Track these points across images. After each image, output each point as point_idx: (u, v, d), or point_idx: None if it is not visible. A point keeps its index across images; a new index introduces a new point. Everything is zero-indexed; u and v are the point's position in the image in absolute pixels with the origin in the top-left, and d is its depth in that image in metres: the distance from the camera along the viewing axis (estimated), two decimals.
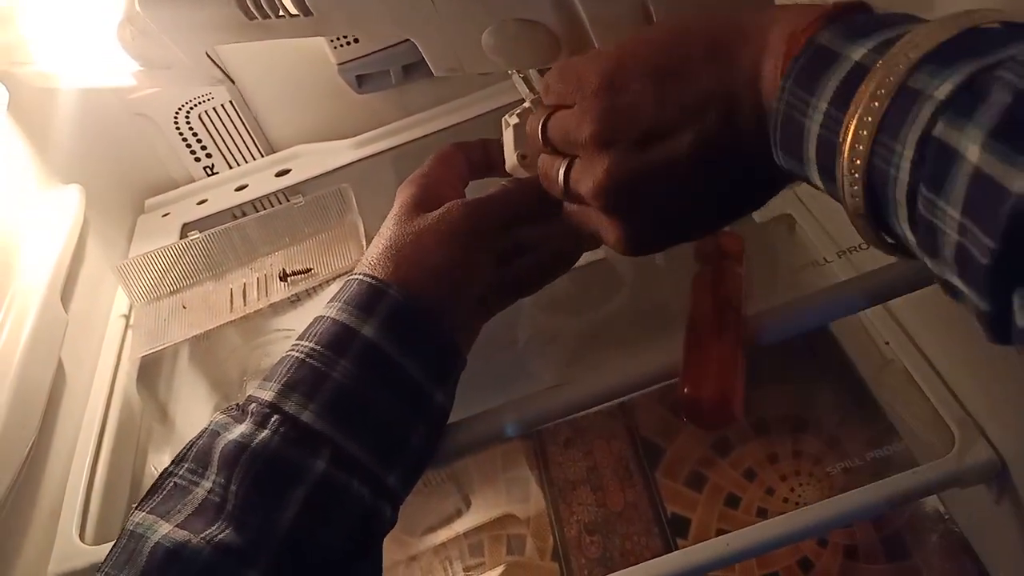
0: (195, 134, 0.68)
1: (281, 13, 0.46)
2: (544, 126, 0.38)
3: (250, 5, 0.45)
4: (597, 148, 0.35)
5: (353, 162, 0.67)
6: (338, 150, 0.69)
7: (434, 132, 0.67)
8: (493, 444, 0.44)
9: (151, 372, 0.61)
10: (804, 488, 0.75)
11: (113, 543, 0.36)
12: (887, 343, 0.63)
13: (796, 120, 0.29)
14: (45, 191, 0.59)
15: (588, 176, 0.36)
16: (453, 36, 0.47)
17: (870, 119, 0.25)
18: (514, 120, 0.48)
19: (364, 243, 0.59)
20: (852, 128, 0.26)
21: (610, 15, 0.44)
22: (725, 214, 0.37)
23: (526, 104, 0.48)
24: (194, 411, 0.67)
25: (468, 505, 0.88)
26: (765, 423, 0.80)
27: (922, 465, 0.56)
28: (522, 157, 0.48)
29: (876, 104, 0.25)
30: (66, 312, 0.55)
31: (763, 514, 0.75)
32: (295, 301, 0.61)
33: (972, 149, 0.22)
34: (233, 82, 0.52)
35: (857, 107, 0.26)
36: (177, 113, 0.67)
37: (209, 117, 0.68)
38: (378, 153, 0.67)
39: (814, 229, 0.65)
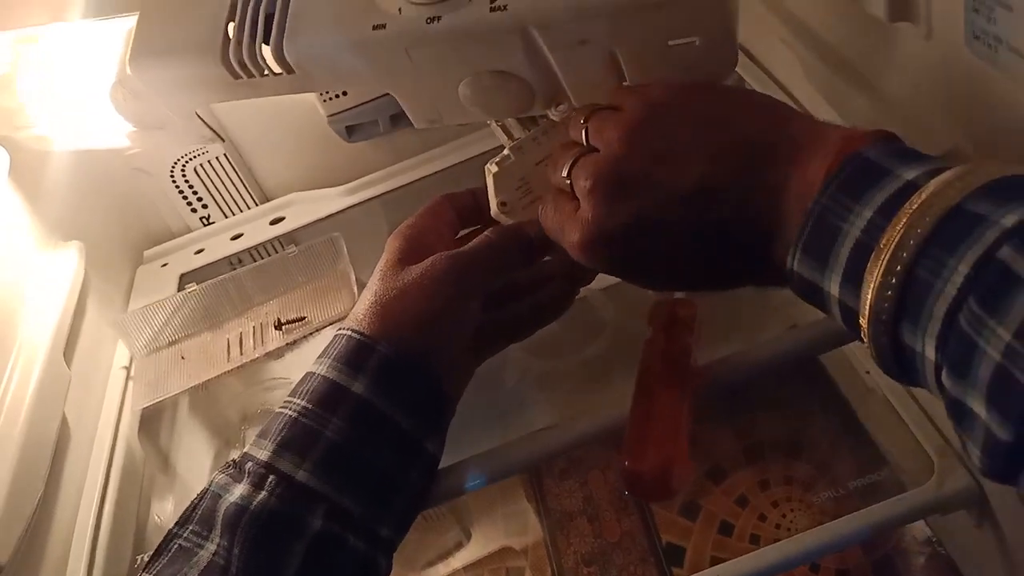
0: (191, 186, 0.71)
1: (266, 72, 0.48)
2: (587, 117, 0.40)
3: (235, 66, 0.47)
4: (619, 142, 0.36)
5: (345, 208, 0.69)
6: (330, 197, 0.71)
7: (423, 177, 0.69)
8: (484, 487, 0.46)
9: (152, 422, 0.63)
10: (795, 514, 0.76)
11: None
12: (867, 372, 0.65)
13: (831, 223, 0.30)
14: (45, 250, 0.61)
15: (594, 163, 0.37)
16: (431, 89, 0.49)
17: (919, 230, 0.26)
18: (495, 168, 0.50)
19: (356, 290, 0.61)
20: (899, 235, 0.27)
21: (581, 68, 0.46)
22: (681, 277, 0.39)
23: (505, 152, 0.50)
24: (195, 458, 0.69)
25: (468, 538, 0.89)
26: (757, 449, 0.81)
27: (906, 492, 0.57)
28: (502, 204, 0.50)
29: (928, 219, 0.26)
30: (68, 367, 0.57)
31: (756, 541, 0.76)
32: (291, 345, 0.62)
33: None
34: (223, 140, 0.54)
35: (905, 217, 0.27)
36: (173, 167, 0.69)
37: (204, 169, 0.70)
38: (369, 199, 0.69)
39: None
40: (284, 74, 0.47)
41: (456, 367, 0.46)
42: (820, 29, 0.51)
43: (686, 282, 0.40)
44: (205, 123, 0.53)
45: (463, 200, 0.52)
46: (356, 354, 0.42)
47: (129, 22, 0.49)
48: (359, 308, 0.45)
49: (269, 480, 0.39)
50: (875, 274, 0.27)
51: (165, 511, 0.63)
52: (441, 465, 0.45)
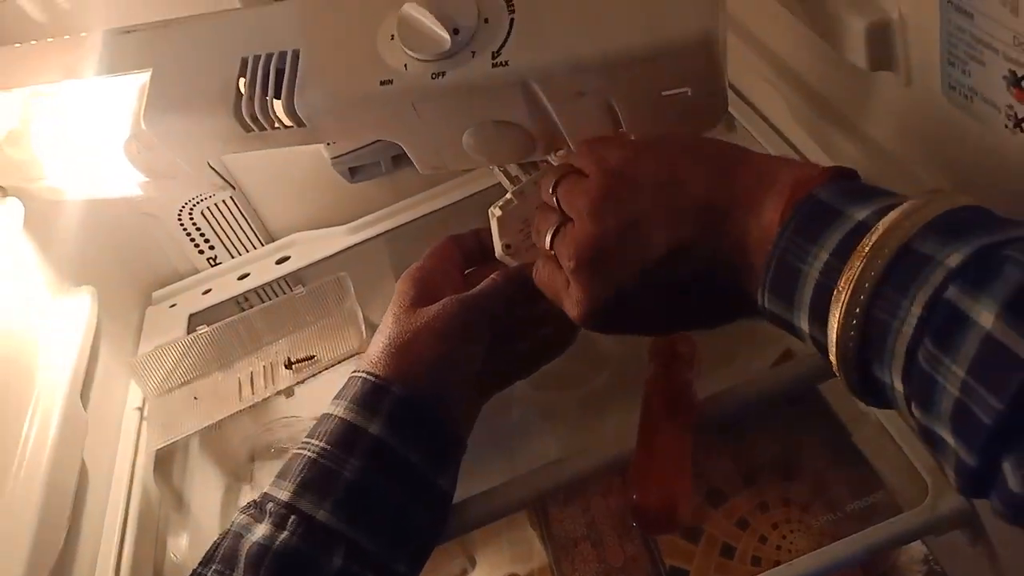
0: (198, 228, 0.72)
1: (276, 125, 0.50)
2: (557, 182, 0.42)
3: (247, 119, 0.49)
4: (590, 216, 0.38)
5: (349, 247, 0.71)
6: (334, 236, 0.72)
7: (424, 215, 0.71)
8: (494, 521, 0.47)
9: (164, 461, 0.64)
10: (795, 535, 0.78)
11: None
12: None
13: (792, 265, 0.32)
14: (59, 295, 0.62)
15: (572, 240, 0.39)
16: (436, 139, 0.51)
17: (873, 273, 0.28)
18: (498, 212, 0.52)
19: (363, 328, 0.62)
20: (855, 278, 0.29)
21: (579, 117, 0.48)
22: (677, 319, 0.40)
23: (508, 196, 0.52)
24: (207, 496, 0.70)
25: (473, 566, 0.90)
26: (754, 473, 0.83)
27: (902, 513, 0.59)
28: (507, 247, 0.52)
29: (879, 260, 0.28)
30: (84, 410, 0.58)
31: (757, 562, 0.78)
32: (301, 383, 0.64)
33: (986, 316, 0.25)
34: (234, 188, 0.56)
35: (858, 260, 0.29)
36: (180, 210, 0.71)
37: (211, 212, 0.72)
38: (373, 237, 0.71)
39: None
40: (295, 127, 0.49)
41: (466, 406, 0.48)
42: (805, 72, 0.53)
43: (682, 325, 0.42)
44: (216, 172, 0.55)
45: (467, 241, 0.54)
46: (371, 396, 0.44)
47: (141, 78, 0.51)
48: (373, 350, 0.46)
49: (291, 520, 0.41)
50: (837, 315, 0.29)
51: (180, 548, 0.64)
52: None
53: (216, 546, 0.43)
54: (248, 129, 0.49)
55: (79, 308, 0.62)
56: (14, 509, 0.49)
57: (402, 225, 0.71)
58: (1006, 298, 0.25)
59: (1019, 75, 0.34)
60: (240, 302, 0.73)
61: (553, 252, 0.40)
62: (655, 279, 0.37)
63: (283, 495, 0.42)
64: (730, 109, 0.65)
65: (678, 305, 0.38)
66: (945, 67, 0.38)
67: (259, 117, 0.49)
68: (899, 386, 0.29)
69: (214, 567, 0.42)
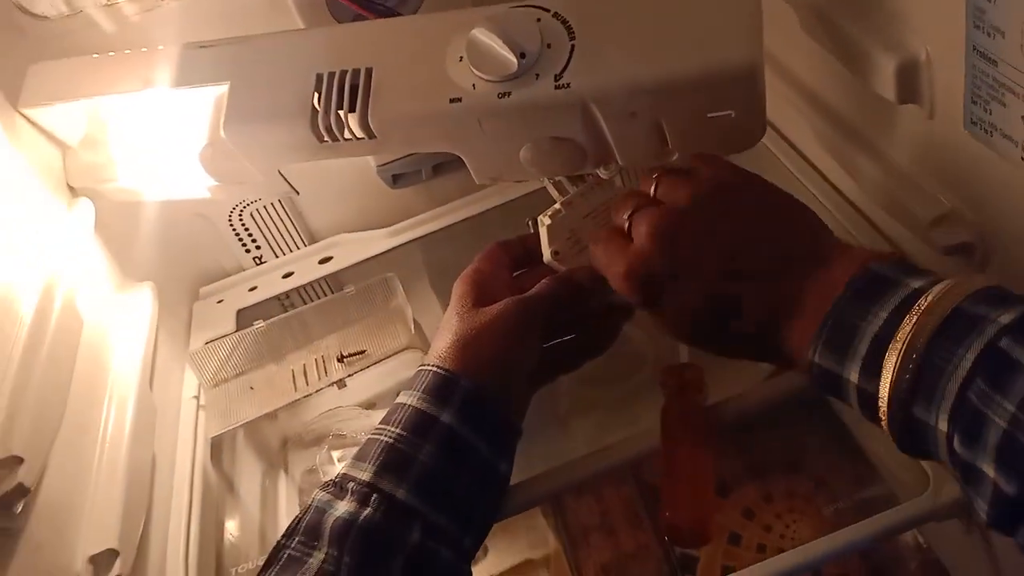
0: (246, 228, 0.76)
1: (348, 137, 0.54)
2: (662, 175, 0.47)
3: (322, 131, 0.53)
4: (688, 201, 0.43)
5: (388, 249, 0.75)
6: (375, 238, 0.76)
7: (459, 221, 0.75)
8: (542, 503, 0.52)
9: (216, 448, 0.68)
10: (798, 524, 0.83)
11: None
12: None
13: (850, 323, 0.36)
14: (123, 292, 0.66)
15: (657, 214, 0.44)
16: (496, 152, 0.55)
17: (929, 326, 0.33)
18: (547, 221, 0.57)
19: (411, 325, 0.66)
20: (912, 330, 0.34)
21: (630, 135, 0.53)
22: (699, 336, 0.45)
23: (557, 206, 0.57)
24: (251, 480, 0.74)
25: (485, 553, 0.94)
26: (760, 466, 0.88)
27: (902, 503, 0.64)
28: (555, 253, 0.56)
29: (935, 317, 0.33)
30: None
31: (762, 549, 0.83)
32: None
33: None
34: (298, 192, 0.60)
35: (916, 316, 0.34)
36: (231, 212, 0.75)
37: (259, 214, 0.75)
38: (411, 240, 0.75)
39: None
40: (365, 139, 0.53)
41: (521, 397, 0.52)
42: (832, 99, 0.58)
43: (700, 339, 0.46)
44: (285, 179, 0.59)
45: (515, 247, 0.58)
46: (441, 388, 0.48)
47: (218, 90, 0.55)
48: (440, 346, 0.50)
49: (373, 498, 0.45)
50: (894, 361, 0.34)
51: (232, 529, 0.68)
52: None
53: (298, 520, 0.47)
54: (322, 140, 0.53)
55: (142, 302, 0.66)
56: (103, 483, 0.52)
57: (439, 230, 0.75)
58: None
59: None
60: (283, 299, 0.77)
61: (628, 223, 0.45)
62: (706, 284, 0.42)
63: (364, 476, 0.46)
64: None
65: (709, 318, 0.43)
66: (968, 104, 0.43)
67: (333, 129, 0.53)
68: (943, 426, 0.33)
69: (297, 539, 0.46)
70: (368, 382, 0.70)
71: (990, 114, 0.42)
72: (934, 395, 0.33)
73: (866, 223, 0.58)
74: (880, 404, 0.36)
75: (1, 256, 0.51)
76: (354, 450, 0.65)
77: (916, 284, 0.36)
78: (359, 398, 0.79)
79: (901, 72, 0.46)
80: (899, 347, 0.34)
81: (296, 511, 0.74)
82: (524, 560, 0.90)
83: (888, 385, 0.35)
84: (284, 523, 0.73)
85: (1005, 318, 0.32)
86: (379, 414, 0.51)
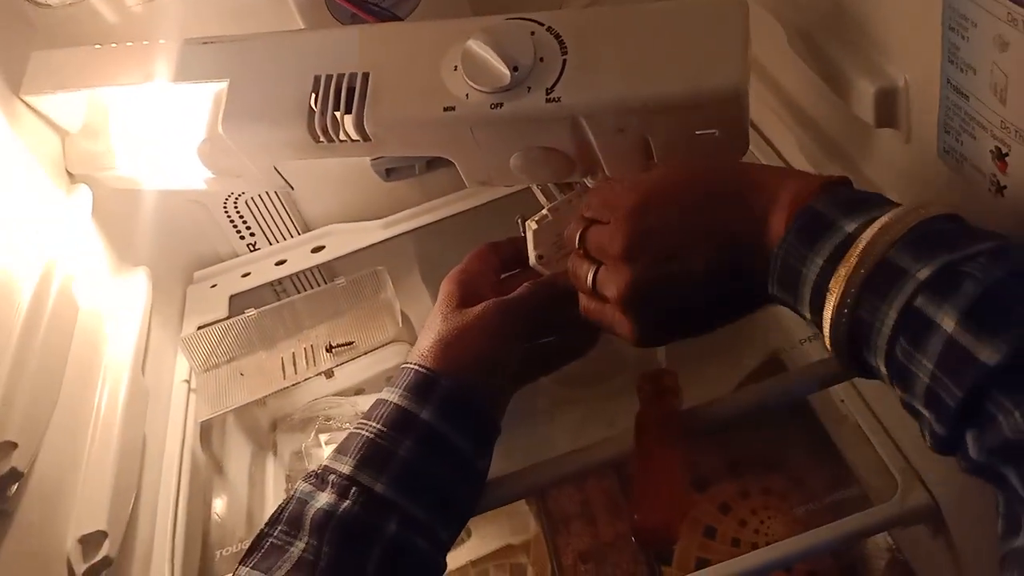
0: (241, 216, 0.78)
1: (343, 138, 0.55)
2: (582, 235, 0.47)
3: (318, 132, 0.55)
4: (624, 260, 0.44)
5: (380, 241, 0.77)
6: (367, 230, 0.78)
7: (451, 215, 0.76)
8: (520, 499, 0.54)
9: (206, 430, 0.70)
10: (772, 521, 0.85)
11: None
12: (843, 400, 0.74)
13: (794, 267, 0.38)
14: (118, 276, 0.67)
15: (612, 283, 0.45)
16: (487, 159, 0.56)
17: (857, 280, 0.35)
18: (534, 225, 0.58)
19: (399, 318, 0.68)
20: (842, 285, 0.36)
21: (618, 149, 0.54)
22: (717, 321, 0.47)
23: (544, 211, 0.58)
24: (239, 462, 0.76)
25: (469, 535, 0.97)
26: (738, 464, 0.90)
27: (872, 507, 0.67)
28: (539, 257, 0.58)
29: (863, 271, 0.35)
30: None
31: (736, 543, 0.85)
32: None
33: (948, 322, 0.32)
34: (292, 188, 0.61)
35: (847, 268, 0.36)
36: (227, 199, 0.76)
37: (254, 202, 0.77)
38: (403, 233, 0.77)
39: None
40: (360, 141, 0.54)
41: (501, 396, 0.54)
42: (815, 114, 0.60)
43: (723, 320, 0.46)
44: (280, 174, 0.60)
45: (504, 248, 0.60)
46: (422, 386, 0.50)
47: (218, 87, 0.56)
48: (423, 344, 0.52)
49: (352, 491, 0.47)
50: (830, 313, 0.37)
51: (219, 508, 0.70)
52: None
53: (281, 510, 0.49)
54: (317, 140, 0.55)
55: (136, 286, 0.67)
56: (93, 466, 0.54)
57: (431, 223, 0.76)
58: (965, 308, 0.32)
59: (1003, 151, 0.40)
60: (275, 286, 0.79)
61: (599, 292, 0.47)
62: (694, 298, 0.44)
63: (345, 469, 0.47)
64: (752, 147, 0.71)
65: (718, 308, 0.45)
66: (942, 134, 0.45)
67: (329, 130, 0.54)
68: (884, 370, 0.36)
69: (280, 528, 0.48)
70: (355, 371, 0.72)
71: (961, 145, 0.43)
72: (870, 345, 0.36)
73: None
74: (825, 341, 0.38)
75: (1, 240, 0.53)
76: (341, 435, 0.67)
77: (850, 228, 0.37)
78: (346, 387, 0.81)
79: (880, 97, 0.48)
80: (832, 299, 0.37)
81: (283, 493, 0.76)
82: (505, 545, 0.92)
83: (828, 332, 0.37)
84: (271, 504, 0.76)
85: (923, 272, 0.34)
86: (367, 400, 0.53)
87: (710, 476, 0.89)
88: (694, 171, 0.45)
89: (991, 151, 0.41)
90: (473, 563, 0.90)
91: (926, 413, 0.35)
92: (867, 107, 0.49)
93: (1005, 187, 0.41)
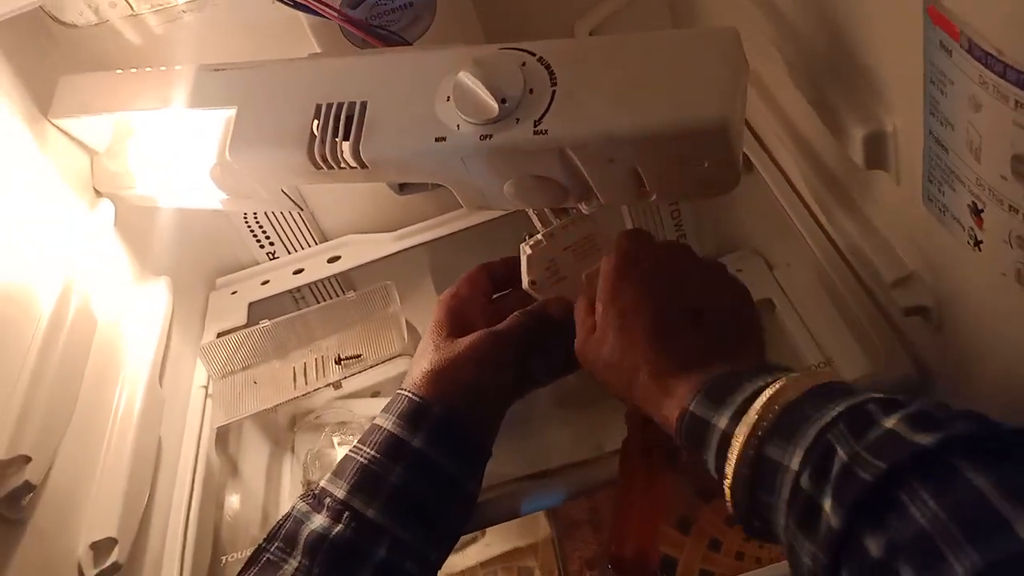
0: (260, 226, 0.80)
1: (343, 165, 0.57)
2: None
3: (318, 159, 0.56)
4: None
5: (394, 252, 0.78)
6: (382, 241, 0.80)
7: (463, 229, 0.78)
8: (508, 520, 0.56)
9: (223, 431, 0.73)
10: None
11: None
12: None
13: (699, 435, 0.41)
14: (140, 285, 0.70)
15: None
16: (481, 186, 0.57)
17: (746, 471, 0.37)
18: (528, 250, 0.59)
19: (405, 333, 0.70)
20: (732, 473, 0.38)
21: (608, 178, 0.55)
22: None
23: (539, 236, 0.59)
24: (256, 462, 0.79)
25: (483, 534, 0.99)
26: None
27: None
28: (532, 282, 0.59)
29: (746, 470, 0.37)
30: (161, 388, 0.67)
31: (741, 557, 0.86)
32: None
33: (890, 421, 0.34)
34: (302, 208, 0.63)
35: (732, 462, 0.38)
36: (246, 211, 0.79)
37: (273, 213, 0.79)
38: (416, 245, 0.78)
39: (791, 316, 0.77)
40: (358, 168, 0.56)
41: (492, 421, 0.56)
42: (814, 146, 0.59)
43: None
44: (287, 195, 0.62)
45: (497, 268, 0.61)
46: (415, 414, 0.52)
47: (225, 113, 0.58)
48: (416, 373, 0.54)
49: (345, 515, 0.49)
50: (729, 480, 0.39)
51: (232, 508, 0.73)
52: None
53: (279, 526, 0.51)
54: (318, 167, 0.56)
55: (157, 296, 0.70)
56: (107, 474, 0.57)
57: (443, 236, 0.78)
58: (910, 411, 0.34)
59: (979, 207, 0.40)
60: (294, 294, 0.81)
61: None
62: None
63: (339, 493, 0.50)
64: (747, 151, 0.71)
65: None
66: (926, 182, 0.44)
67: (328, 158, 0.56)
68: (795, 464, 0.36)
69: (276, 544, 0.50)
70: (362, 381, 0.74)
71: (943, 195, 0.43)
72: (794, 436, 0.36)
73: (845, 265, 0.59)
74: (733, 443, 0.39)
75: (23, 257, 0.56)
76: (354, 438, 0.70)
77: (723, 425, 0.40)
78: (362, 387, 0.83)
79: (869, 141, 0.47)
80: (767, 396, 0.38)
81: (299, 491, 0.79)
82: (514, 548, 0.94)
83: (749, 424, 0.38)
84: (286, 504, 0.79)
85: (876, 395, 0.36)
86: (382, 403, 0.54)
87: (716, 488, 0.89)
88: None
89: (968, 205, 0.41)
90: (482, 564, 0.93)
91: (828, 507, 0.33)
92: (857, 149, 0.49)
93: (982, 242, 0.41)
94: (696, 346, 0.45)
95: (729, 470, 0.38)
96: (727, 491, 0.39)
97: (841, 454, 0.34)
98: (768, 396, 0.38)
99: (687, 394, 0.42)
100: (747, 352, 0.45)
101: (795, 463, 0.36)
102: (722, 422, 0.39)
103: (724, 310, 0.47)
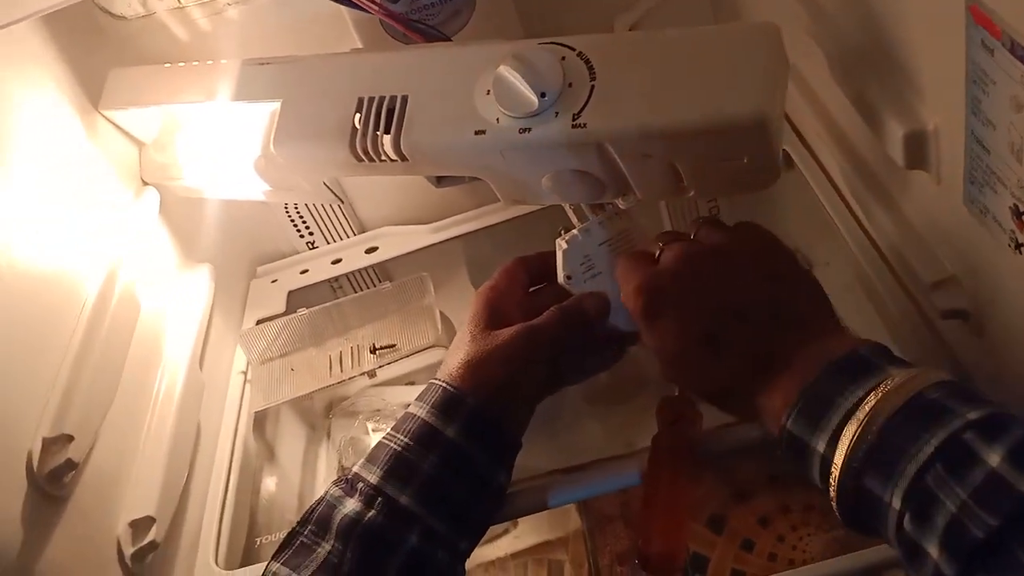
0: (301, 216, 0.82)
1: (383, 158, 0.57)
2: (701, 223, 0.53)
3: (359, 152, 0.57)
4: (713, 250, 0.50)
5: (431, 244, 0.79)
6: (419, 233, 0.81)
7: (499, 223, 0.78)
8: (535, 513, 0.56)
9: (261, 417, 0.75)
10: (812, 539, 0.85)
11: None
12: None
13: (828, 397, 0.40)
14: (183, 272, 0.72)
15: (690, 246, 0.51)
16: (518, 180, 0.58)
17: (891, 404, 0.37)
18: (564, 245, 0.59)
19: (439, 324, 0.71)
20: (875, 406, 0.37)
21: (646, 173, 0.55)
22: (697, 383, 0.50)
23: (575, 231, 0.59)
24: (292, 446, 0.80)
25: (515, 525, 1.00)
26: (780, 477, 0.89)
27: None
28: (568, 277, 0.59)
29: (897, 398, 0.37)
30: (201, 373, 0.68)
31: (773, 558, 0.85)
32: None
33: (993, 458, 0.33)
34: (342, 200, 0.64)
35: (882, 393, 0.38)
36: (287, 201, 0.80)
37: (314, 204, 0.81)
38: (452, 238, 0.79)
39: None
40: (399, 161, 0.57)
41: (523, 415, 0.56)
42: (855, 142, 0.59)
43: (682, 374, 0.50)
44: (329, 188, 0.63)
45: (533, 262, 0.61)
46: (449, 404, 0.52)
47: (270, 107, 0.59)
48: (452, 363, 0.54)
49: (378, 501, 0.49)
50: (853, 430, 0.37)
51: (268, 491, 0.74)
52: None
53: (312, 510, 0.52)
54: (359, 160, 0.57)
55: (200, 282, 0.72)
56: (147, 455, 0.59)
57: (479, 230, 0.78)
58: (1011, 446, 0.32)
59: (1020, 210, 0.39)
60: (332, 283, 0.83)
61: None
62: (694, 331, 0.47)
63: (372, 478, 0.50)
64: (788, 148, 0.70)
65: (691, 363, 0.48)
66: (967, 184, 0.44)
67: (369, 151, 0.56)
68: (896, 503, 0.36)
69: (310, 528, 0.51)
70: (396, 370, 0.75)
71: (984, 197, 0.42)
72: (892, 473, 0.36)
73: (884, 265, 0.59)
74: (833, 471, 0.38)
75: (71, 243, 0.58)
76: (388, 423, 0.71)
77: (893, 372, 0.38)
78: (397, 375, 0.84)
79: (909, 140, 0.47)
80: (860, 419, 0.37)
81: (334, 475, 0.80)
82: (544, 540, 0.94)
83: (844, 452, 0.38)
84: (321, 488, 0.80)
85: (972, 414, 0.35)
86: (416, 390, 0.55)
87: (750, 488, 0.89)
88: (802, 269, 0.49)
89: (1010, 208, 0.40)
90: (512, 556, 0.93)
91: (935, 554, 0.33)
92: (897, 148, 0.48)
93: (1023, 245, 0.40)
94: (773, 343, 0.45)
95: (833, 494, 0.39)
96: (837, 512, 0.40)
97: (947, 504, 0.33)
98: (863, 423, 0.37)
99: (783, 408, 0.42)
100: (822, 330, 0.45)
101: (896, 503, 0.36)
102: (820, 446, 0.39)
103: (788, 293, 0.47)
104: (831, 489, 0.39)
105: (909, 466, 0.35)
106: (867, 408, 0.37)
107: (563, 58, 0.53)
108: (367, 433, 0.82)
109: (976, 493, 0.32)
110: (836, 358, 0.41)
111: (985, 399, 0.37)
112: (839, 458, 0.38)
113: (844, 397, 0.39)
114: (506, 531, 0.98)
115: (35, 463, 0.48)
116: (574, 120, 0.51)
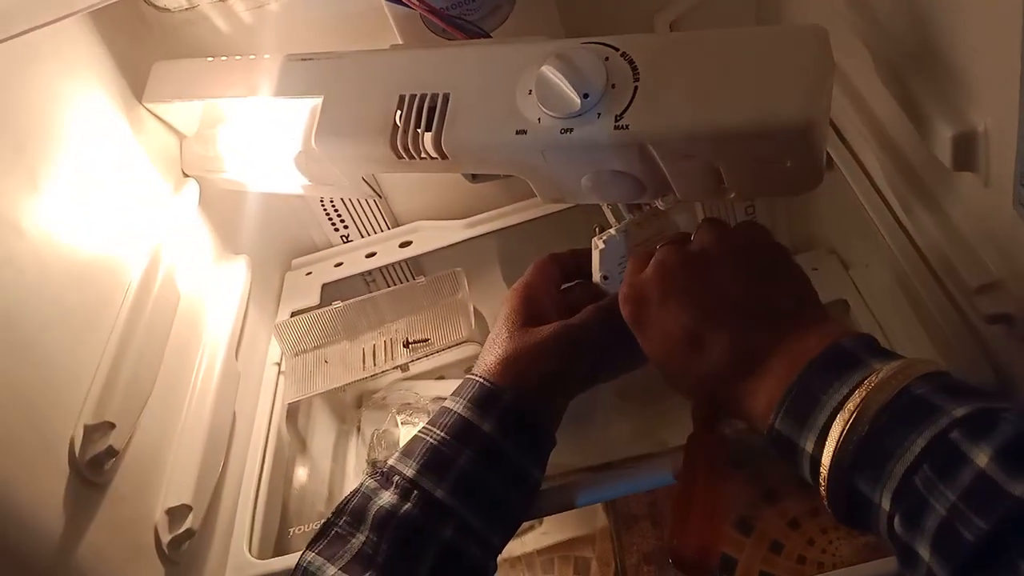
0: (336, 210, 0.82)
1: (424, 155, 0.58)
2: (701, 223, 0.53)
3: (400, 149, 0.57)
4: (696, 252, 0.50)
5: (465, 239, 0.79)
6: (453, 228, 0.81)
7: (532, 219, 0.78)
8: (568, 509, 0.56)
9: (294, 409, 0.75)
10: (841, 543, 0.84)
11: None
12: None
13: (814, 395, 0.39)
14: (221, 263, 0.73)
15: (671, 251, 0.51)
16: (558, 179, 0.58)
17: (877, 401, 0.37)
18: (601, 245, 0.59)
19: (472, 319, 0.71)
20: (861, 403, 0.37)
21: (687, 175, 0.54)
22: (684, 382, 0.51)
23: (612, 231, 0.59)
24: (323, 438, 0.81)
25: (541, 522, 1.00)
26: None
27: None
28: (604, 277, 0.59)
29: (882, 394, 0.37)
30: (237, 363, 0.69)
31: (802, 561, 0.84)
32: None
33: (982, 458, 0.32)
34: (380, 196, 0.64)
35: (867, 390, 0.37)
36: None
37: (349, 198, 0.81)
38: (486, 233, 0.79)
39: (866, 317, 0.75)
40: (439, 159, 0.57)
41: (558, 413, 0.56)
42: (899, 142, 0.58)
43: (670, 372, 0.51)
44: (368, 184, 0.63)
45: (566, 260, 0.62)
46: (485, 399, 0.52)
47: (311, 102, 0.59)
48: (488, 358, 0.54)
49: (413, 494, 0.50)
50: (840, 430, 0.37)
51: (300, 481, 0.75)
52: None
53: (347, 501, 0.52)
54: (399, 157, 0.57)
55: (237, 274, 0.73)
56: (184, 443, 0.60)
57: (513, 225, 0.78)
58: (999, 446, 0.32)
59: None
60: (366, 277, 0.83)
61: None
62: (678, 330, 0.48)
63: (408, 472, 0.51)
64: (829, 148, 0.69)
65: (677, 362, 0.50)
66: (1018, 186, 0.43)
67: (410, 148, 0.57)
68: (886, 505, 0.35)
69: (344, 519, 0.51)
70: (428, 365, 0.76)
71: None
72: (880, 474, 0.35)
73: (926, 267, 0.58)
74: (822, 471, 0.38)
75: (114, 232, 0.59)
76: (418, 418, 0.71)
77: (878, 366, 0.38)
78: (428, 370, 0.84)
79: (958, 141, 0.46)
80: (846, 418, 0.37)
81: (363, 468, 0.81)
82: (571, 537, 0.95)
83: (831, 453, 0.37)
84: (351, 481, 0.81)
85: (959, 411, 0.34)
86: (447, 385, 0.54)
87: (780, 490, 0.88)
88: (789, 261, 0.49)
89: None
90: (539, 552, 0.93)
91: (927, 557, 0.33)
92: (945, 149, 0.47)
93: None
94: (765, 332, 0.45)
95: (824, 494, 0.39)
96: (830, 511, 0.40)
97: (937, 507, 0.33)
98: (849, 423, 0.37)
99: (769, 407, 0.41)
100: (805, 324, 0.44)
101: (886, 504, 0.35)
102: (808, 445, 0.39)
103: (767, 289, 0.47)
104: (822, 489, 0.39)
105: (897, 467, 0.35)
106: (852, 407, 0.37)
107: (606, 58, 0.53)
108: (397, 426, 0.82)
109: (965, 495, 0.32)
110: (818, 353, 0.40)
111: (972, 392, 0.36)
112: (827, 458, 0.38)
113: (828, 395, 0.38)
114: (532, 527, 0.98)
115: (77, 450, 0.48)
116: (617, 121, 0.51)
